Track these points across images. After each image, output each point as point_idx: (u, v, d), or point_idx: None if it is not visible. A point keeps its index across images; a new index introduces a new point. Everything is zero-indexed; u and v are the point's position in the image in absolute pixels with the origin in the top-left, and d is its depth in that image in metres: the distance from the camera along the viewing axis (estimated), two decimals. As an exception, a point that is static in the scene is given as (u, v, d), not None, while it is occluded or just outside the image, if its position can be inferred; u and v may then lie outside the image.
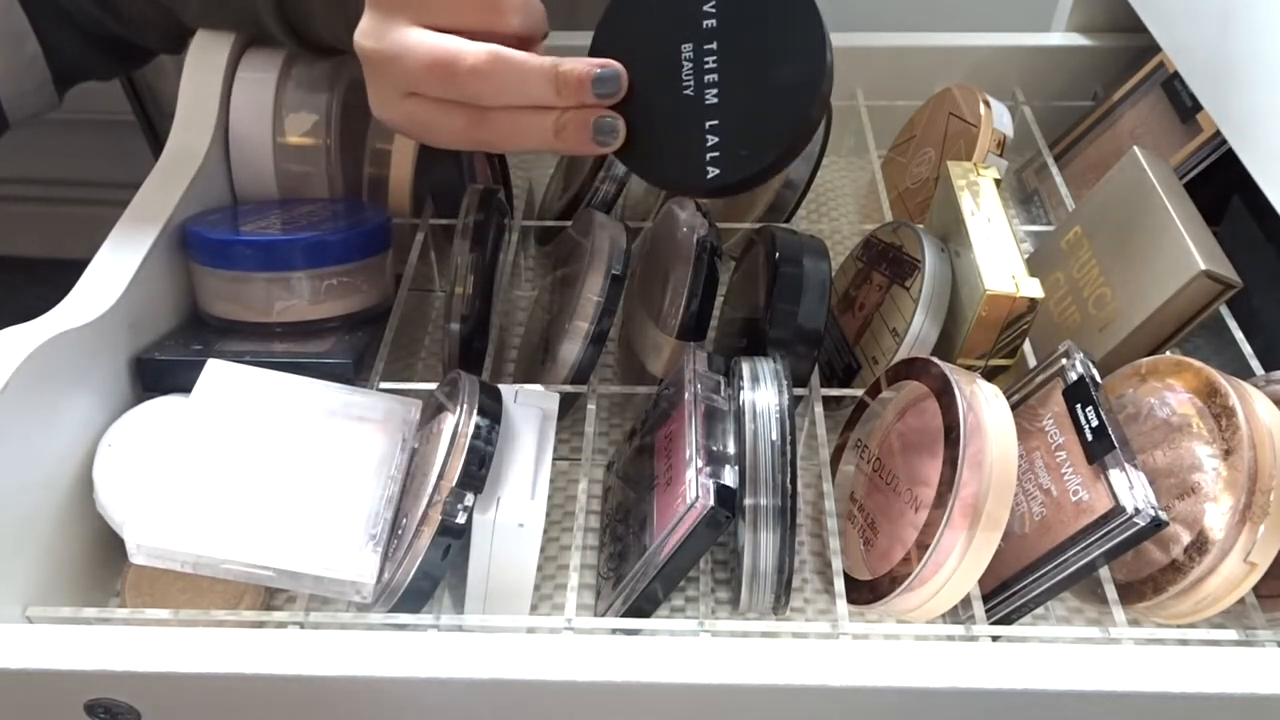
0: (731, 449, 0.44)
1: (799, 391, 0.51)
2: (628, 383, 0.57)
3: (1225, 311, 0.54)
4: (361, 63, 0.46)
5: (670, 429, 0.46)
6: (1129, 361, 0.47)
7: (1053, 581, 0.42)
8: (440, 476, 0.41)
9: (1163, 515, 0.39)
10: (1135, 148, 0.55)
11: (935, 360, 0.46)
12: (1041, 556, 0.42)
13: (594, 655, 0.37)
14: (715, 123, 0.44)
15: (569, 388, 0.51)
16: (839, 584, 0.44)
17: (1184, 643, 0.42)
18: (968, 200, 0.53)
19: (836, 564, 0.45)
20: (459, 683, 0.37)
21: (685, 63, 0.45)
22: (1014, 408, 0.45)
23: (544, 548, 0.48)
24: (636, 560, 0.43)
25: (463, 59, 0.43)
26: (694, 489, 0.41)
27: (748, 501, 0.43)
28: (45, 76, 0.63)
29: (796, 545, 0.44)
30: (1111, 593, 0.43)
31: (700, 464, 0.42)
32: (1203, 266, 0.48)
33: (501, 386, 0.47)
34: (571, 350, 0.51)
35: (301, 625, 0.42)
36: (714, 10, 0.45)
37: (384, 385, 0.51)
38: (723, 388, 0.47)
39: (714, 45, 0.45)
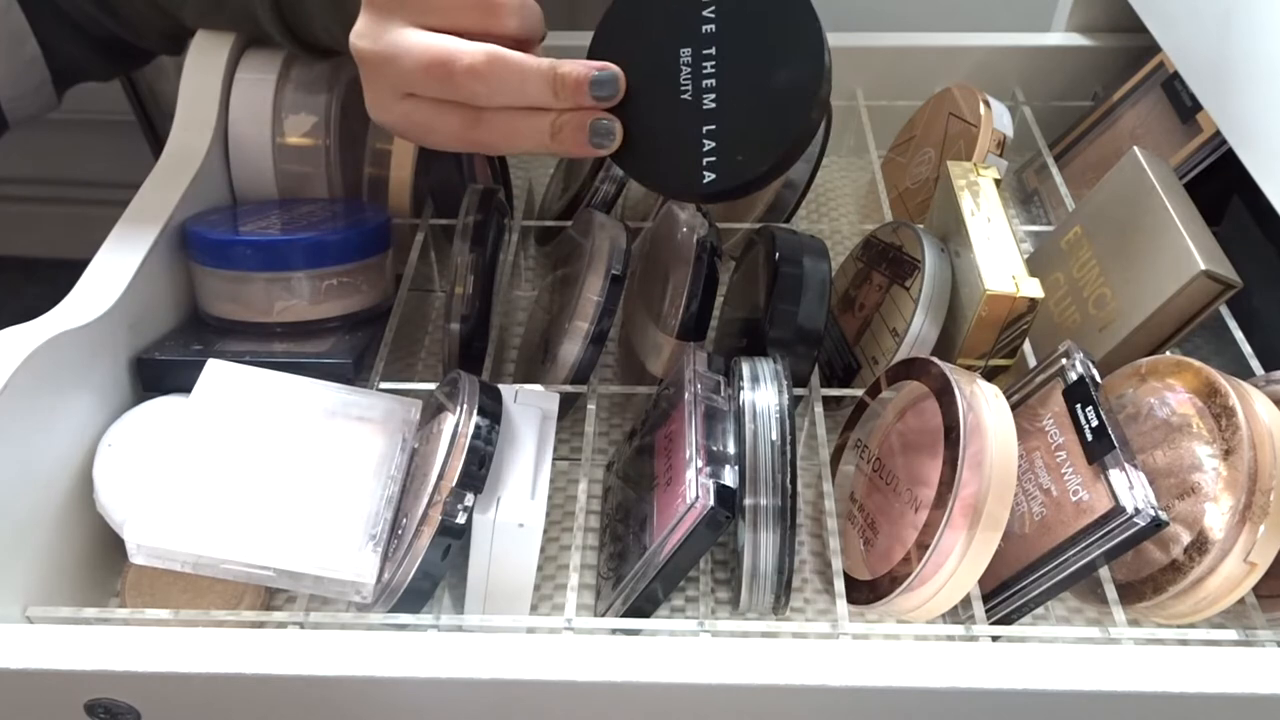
0: (731, 449, 0.44)
1: (799, 391, 0.51)
2: (628, 383, 0.57)
3: (1225, 311, 0.54)
4: (357, 64, 0.46)
5: (670, 429, 0.46)
6: (1129, 361, 0.47)
7: (1053, 581, 0.42)
8: (440, 476, 0.41)
9: (1163, 515, 0.39)
10: (1135, 148, 0.55)
11: (935, 360, 0.46)
12: (1041, 556, 0.42)
13: (594, 655, 0.37)
14: (712, 127, 0.44)
15: (569, 388, 0.51)
16: (839, 584, 0.44)
17: (1184, 643, 0.42)
18: (968, 200, 0.53)
19: (836, 564, 0.45)
20: (459, 683, 0.37)
21: (684, 67, 0.45)
22: (1014, 408, 0.45)
23: (544, 548, 0.48)
24: (636, 560, 0.43)
25: (460, 59, 0.43)
26: (694, 489, 0.41)
27: (748, 501, 0.43)
28: (45, 77, 0.63)
29: (796, 545, 0.44)
30: (1111, 593, 0.43)
31: (700, 464, 0.42)
32: (1203, 266, 0.48)
33: (501, 386, 0.47)
34: (571, 350, 0.51)
35: (301, 625, 0.42)
36: (713, 16, 0.45)
37: (384, 385, 0.51)
38: (723, 388, 0.47)
39: (712, 50, 0.45)
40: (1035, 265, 0.59)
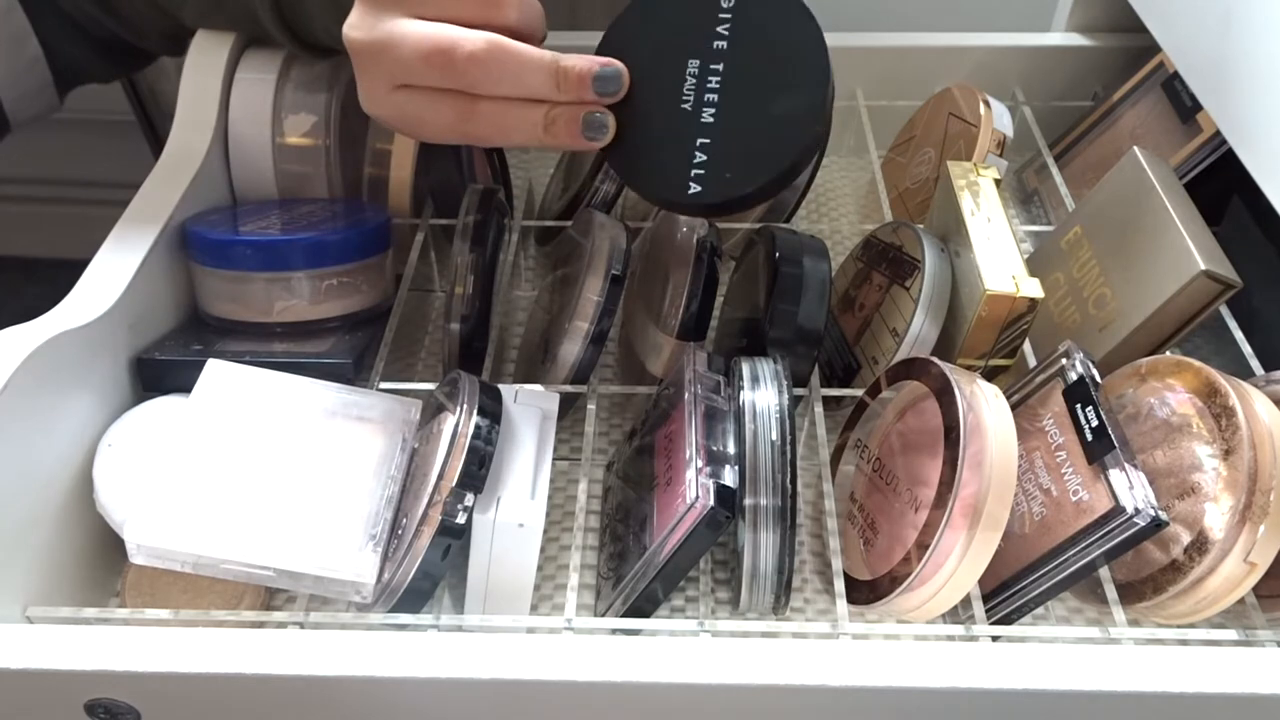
0: (731, 449, 0.44)
1: (799, 391, 0.51)
2: (628, 383, 0.57)
3: (1225, 311, 0.54)
4: (351, 55, 0.46)
5: (670, 429, 0.46)
6: (1129, 361, 0.47)
7: (1053, 581, 0.42)
8: (440, 476, 0.41)
9: (1163, 515, 0.39)
10: (1135, 148, 0.55)
11: (935, 360, 0.46)
12: (1041, 556, 0.42)
13: (594, 655, 0.37)
14: (707, 141, 0.45)
15: (569, 388, 0.51)
16: (839, 584, 0.44)
17: (1184, 643, 0.42)
18: (968, 200, 0.53)
19: (836, 564, 0.45)
20: (459, 683, 0.37)
21: (689, 78, 0.45)
22: (1014, 408, 0.45)
23: (544, 548, 0.48)
24: (636, 560, 0.43)
25: (461, 46, 0.43)
26: (694, 489, 0.41)
27: (748, 501, 0.43)
28: (47, 78, 0.63)
29: (796, 545, 0.44)
30: (1111, 593, 0.43)
31: (700, 464, 0.42)
32: (1203, 266, 0.48)
33: (501, 386, 0.47)
34: (571, 350, 0.51)
35: (301, 625, 0.42)
36: (727, 33, 0.45)
37: (384, 385, 0.51)
38: (723, 388, 0.47)
39: (720, 66, 0.45)
40: (1035, 265, 0.59)
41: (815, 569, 0.51)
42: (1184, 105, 0.63)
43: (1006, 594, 0.43)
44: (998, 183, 0.55)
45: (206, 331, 0.54)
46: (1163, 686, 0.36)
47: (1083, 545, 0.41)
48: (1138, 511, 0.39)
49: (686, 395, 0.46)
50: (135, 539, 0.41)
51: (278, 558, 0.42)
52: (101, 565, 0.49)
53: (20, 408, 0.43)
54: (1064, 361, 0.45)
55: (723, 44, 0.45)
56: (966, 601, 0.43)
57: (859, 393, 0.51)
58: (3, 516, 0.43)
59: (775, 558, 0.43)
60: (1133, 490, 0.40)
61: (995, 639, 0.43)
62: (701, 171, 0.45)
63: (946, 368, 0.45)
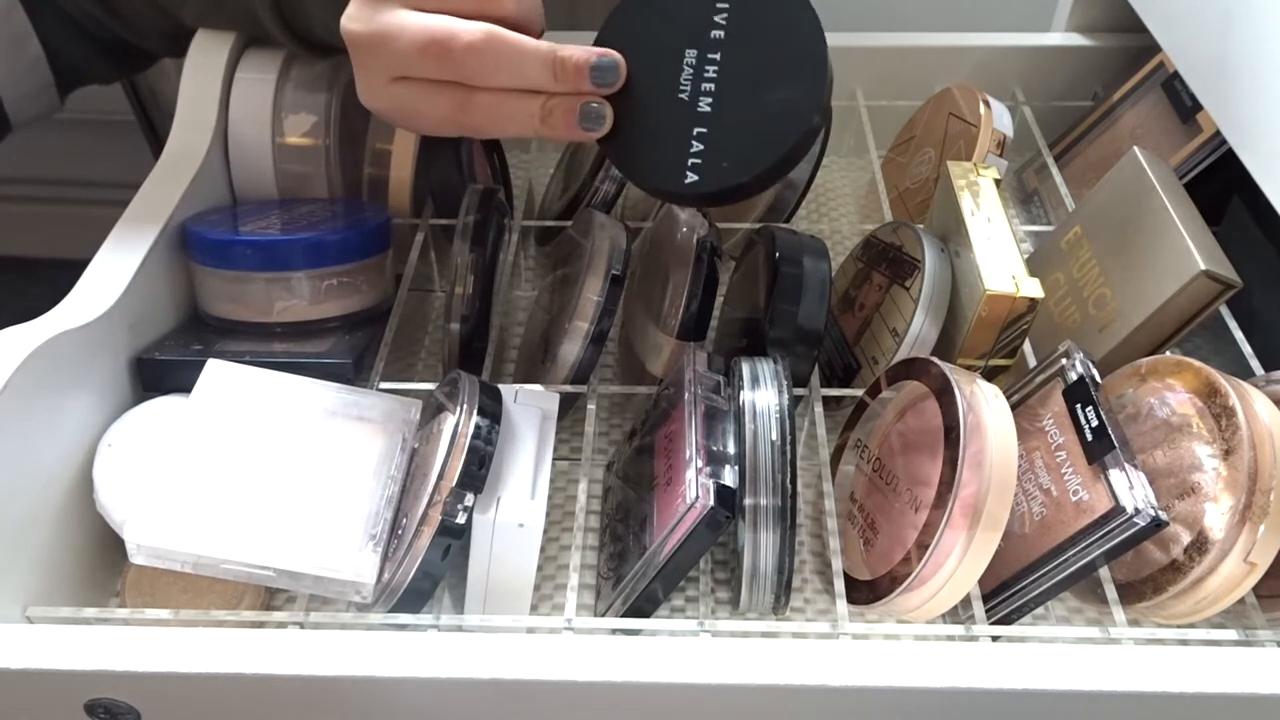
0: (731, 449, 0.44)
1: (799, 391, 0.51)
2: (628, 383, 0.57)
3: (1225, 311, 0.54)
4: (349, 49, 0.46)
5: (670, 429, 0.46)
6: (1129, 361, 0.47)
7: (1053, 581, 0.42)
8: (440, 476, 0.41)
9: (1163, 515, 0.39)
10: (1135, 148, 0.55)
11: (935, 360, 0.46)
12: (1041, 556, 0.42)
13: (594, 655, 0.37)
14: (703, 131, 0.45)
15: (569, 388, 0.51)
16: (839, 584, 0.44)
17: (1184, 643, 0.42)
18: (968, 200, 0.53)
19: (836, 564, 0.45)
20: (459, 683, 0.37)
21: (686, 68, 0.45)
22: (1014, 408, 0.45)
23: (544, 548, 0.48)
24: (636, 560, 0.43)
25: (458, 36, 0.43)
26: (694, 489, 0.41)
27: (748, 501, 0.43)
28: (48, 79, 0.63)
29: (796, 545, 0.44)
30: (1111, 593, 0.43)
31: (700, 464, 0.42)
32: (1203, 266, 0.48)
33: (501, 386, 0.47)
34: (571, 350, 0.51)
35: (301, 625, 0.42)
36: (724, 23, 0.45)
37: (384, 385, 0.51)
38: (723, 388, 0.47)
39: (717, 56, 0.45)
40: (1035, 265, 0.59)
41: (815, 569, 0.51)
42: (1184, 105, 0.63)
43: (1006, 594, 0.43)
44: (998, 183, 0.55)
45: (206, 331, 0.54)
46: (1163, 686, 0.36)
47: (1083, 545, 0.41)
48: (1138, 511, 0.39)
49: (686, 395, 0.46)
50: (135, 539, 0.41)
51: (278, 558, 0.42)
52: (101, 565, 0.49)
53: (20, 408, 0.43)
54: (1064, 361, 0.45)
55: (720, 33, 0.45)
56: (966, 601, 0.43)
57: (859, 393, 0.51)
58: (3, 516, 0.43)
59: (775, 558, 0.43)
60: (1133, 490, 0.40)
61: (995, 639, 0.43)
62: (698, 161, 0.45)
63: (946, 368, 0.45)
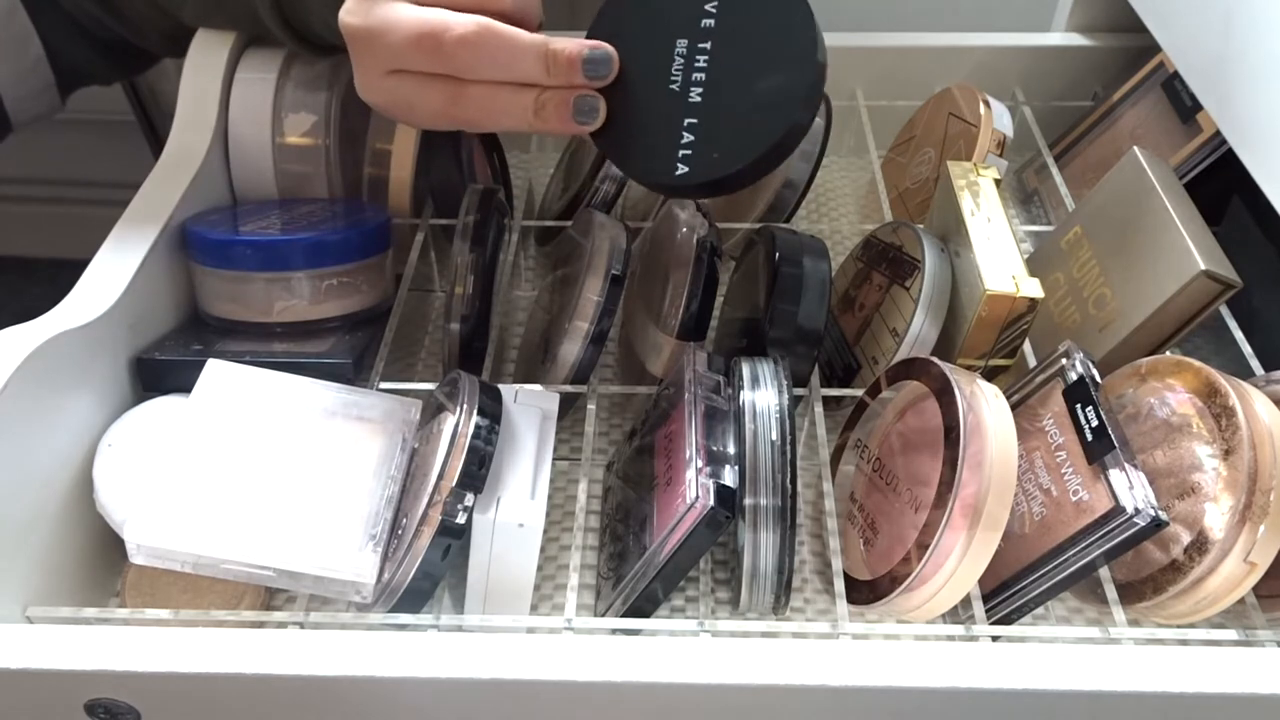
0: (731, 449, 0.44)
1: (799, 391, 0.51)
2: (628, 383, 0.57)
3: (1225, 311, 0.54)
4: (346, 41, 0.46)
5: (670, 429, 0.46)
6: (1129, 361, 0.47)
7: (1053, 581, 0.42)
8: (440, 476, 0.41)
9: (1163, 515, 0.39)
10: (1135, 148, 0.55)
11: (935, 360, 0.46)
12: (1041, 556, 0.42)
13: (594, 655, 0.37)
14: (694, 121, 0.44)
15: (569, 388, 0.51)
16: (839, 584, 0.44)
17: (1184, 643, 0.42)
18: (968, 200, 0.53)
19: (836, 564, 0.45)
20: (459, 683, 0.37)
21: (677, 58, 0.45)
22: (1014, 408, 0.45)
23: (544, 548, 0.48)
24: (636, 560, 0.43)
25: (450, 29, 0.43)
26: (694, 489, 0.41)
27: (748, 501, 0.43)
28: (49, 80, 0.63)
29: (796, 545, 0.44)
30: (1111, 593, 0.43)
31: (700, 464, 0.42)
32: (1203, 266, 0.48)
33: (501, 386, 0.47)
34: (571, 350, 0.51)
35: (301, 625, 0.42)
36: (714, 11, 0.45)
37: (384, 385, 0.51)
38: (723, 388, 0.47)
39: (708, 45, 0.45)
40: (1035, 265, 0.59)
41: (815, 569, 0.51)
42: (1184, 105, 0.63)
43: (1006, 594, 0.43)
44: (998, 183, 0.55)
45: (206, 331, 0.54)
46: (1163, 686, 0.36)
47: (1083, 545, 0.41)
48: (1138, 511, 0.39)
49: (686, 395, 0.46)
50: (135, 539, 0.41)
51: (278, 558, 0.42)
52: (101, 565, 0.49)
53: (20, 408, 0.43)
54: (1064, 361, 0.45)
55: (710, 22, 0.45)
56: (966, 601, 0.43)
57: (859, 393, 0.51)
58: (3, 516, 0.43)
59: (775, 558, 0.43)
60: (1133, 490, 0.40)
61: (995, 639, 0.43)
62: (689, 152, 0.44)
63: (946, 368, 0.45)
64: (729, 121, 0.44)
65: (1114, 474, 0.41)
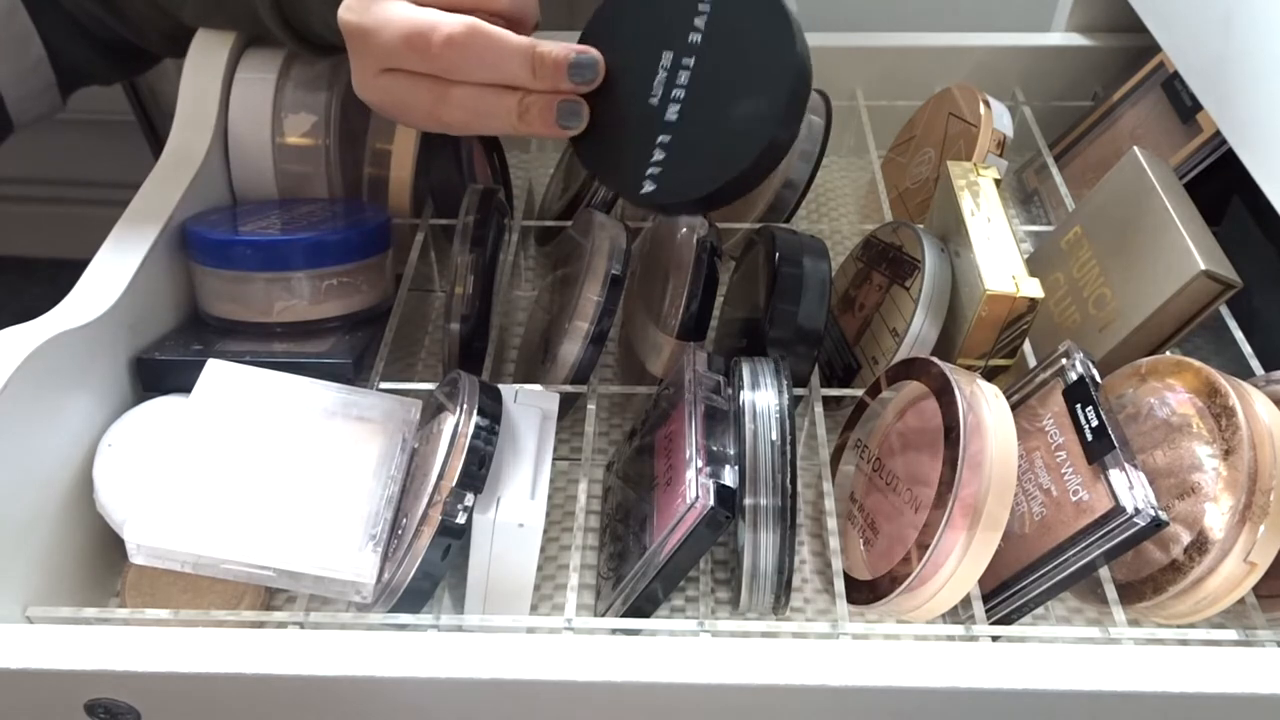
0: (731, 449, 0.44)
1: (799, 391, 0.51)
2: (628, 383, 0.57)
3: (1225, 311, 0.54)
4: (344, 38, 0.46)
5: (670, 429, 0.46)
6: (1129, 361, 0.47)
7: (1053, 581, 0.42)
8: (440, 476, 0.41)
9: (1163, 515, 0.39)
10: (1135, 148, 0.55)
11: (935, 360, 0.46)
12: (1041, 556, 0.42)
13: (594, 655, 0.37)
14: (666, 139, 0.44)
15: (569, 388, 0.51)
16: (839, 584, 0.44)
17: (1184, 643, 0.42)
18: (968, 200, 0.53)
19: (836, 564, 0.45)
20: (459, 683, 0.37)
21: (661, 70, 0.45)
22: (1014, 408, 0.45)
23: (544, 548, 0.48)
24: (636, 560, 0.43)
25: (439, 29, 0.43)
26: (694, 489, 0.41)
27: (748, 501, 0.43)
28: (50, 80, 0.63)
29: (796, 545, 0.44)
30: (1111, 593, 0.43)
31: (700, 464, 0.42)
32: (1203, 266, 0.48)
33: (501, 386, 0.47)
34: (571, 350, 0.51)
35: (301, 625, 0.42)
36: (702, 27, 0.44)
37: (384, 385, 0.51)
38: (723, 388, 0.47)
39: (690, 62, 0.44)
40: (1035, 265, 0.59)
41: (815, 569, 0.51)
42: (1184, 105, 0.63)
43: (1006, 594, 0.43)
44: (998, 183, 0.55)
45: (206, 331, 0.54)
46: (1163, 686, 0.36)
47: (1083, 545, 0.41)
48: (1138, 511, 0.39)
49: (686, 395, 0.46)
50: (135, 539, 0.41)
51: (278, 558, 0.42)
52: (101, 565, 0.49)
53: (20, 408, 0.43)
54: (1064, 361, 0.45)
55: (697, 37, 0.44)
56: (966, 601, 0.43)
57: (859, 393, 0.51)
58: (3, 516, 0.43)
59: (775, 558, 0.43)
60: (1133, 490, 0.40)
61: (995, 639, 0.43)
62: (657, 170, 0.44)
63: (946, 368, 0.45)
64: (699, 144, 0.44)
65: (1114, 474, 0.41)
